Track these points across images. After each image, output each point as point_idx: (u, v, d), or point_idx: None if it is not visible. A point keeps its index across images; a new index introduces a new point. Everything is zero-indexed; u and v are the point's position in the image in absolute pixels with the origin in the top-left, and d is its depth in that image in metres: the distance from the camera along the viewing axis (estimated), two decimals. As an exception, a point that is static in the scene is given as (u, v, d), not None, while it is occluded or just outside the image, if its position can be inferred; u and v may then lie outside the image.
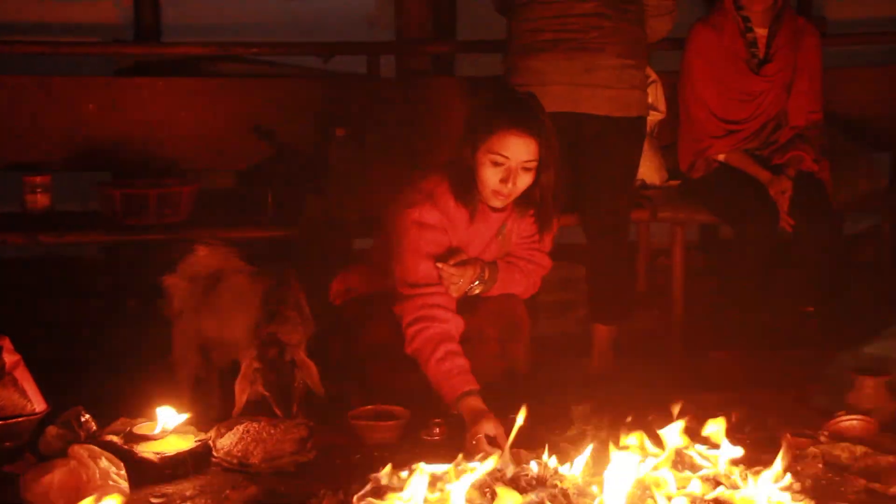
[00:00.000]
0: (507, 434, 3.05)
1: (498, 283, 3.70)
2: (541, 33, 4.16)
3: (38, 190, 4.59)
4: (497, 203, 3.55)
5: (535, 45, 4.16)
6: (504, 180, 3.46)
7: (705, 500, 2.80)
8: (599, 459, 2.91)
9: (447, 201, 3.58)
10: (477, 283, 3.63)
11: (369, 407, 3.52)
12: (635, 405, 3.31)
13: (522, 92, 3.63)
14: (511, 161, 3.44)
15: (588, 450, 2.93)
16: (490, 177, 3.48)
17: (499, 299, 3.75)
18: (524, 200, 3.61)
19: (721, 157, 4.63)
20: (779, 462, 2.89)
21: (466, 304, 3.71)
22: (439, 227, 3.56)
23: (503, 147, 3.43)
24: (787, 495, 2.83)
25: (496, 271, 3.70)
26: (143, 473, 3.08)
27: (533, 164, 3.46)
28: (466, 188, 3.54)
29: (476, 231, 3.65)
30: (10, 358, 3.37)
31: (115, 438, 3.21)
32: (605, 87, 4.15)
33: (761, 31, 4.62)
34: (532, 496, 2.78)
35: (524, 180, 3.49)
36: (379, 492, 2.83)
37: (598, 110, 4.15)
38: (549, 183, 3.54)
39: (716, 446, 3.01)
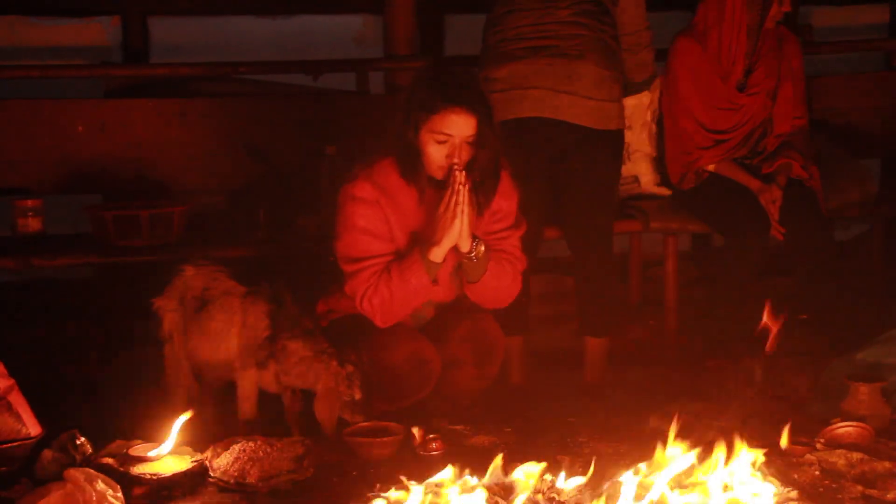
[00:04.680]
0: None
1: (488, 272, 3.65)
2: (520, 41, 4.15)
3: (30, 214, 4.58)
4: (442, 176, 3.58)
5: (516, 53, 4.14)
6: (450, 156, 3.53)
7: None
8: (597, 474, 2.91)
9: (387, 176, 3.64)
10: (476, 242, 3.57)
11: (365, 423, 3.51)
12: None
13: (456, 67, 3.59)
14: (455, 138, 3.51)
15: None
16: (435, 154, 3.55)
17: (470, 325, 3.75)
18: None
19: (711, 167, 4.63)
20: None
21: (437, 333, 3.71)
22: (372, 200, 3.61)
23: (445, 126, 3.50)
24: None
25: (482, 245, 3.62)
26: (139, 495, 3.07)
27: (473, 139, 3.53)
28: (413, 168, 3.60)
29: (427, 210, 3.63)
30: (3, 382, 3.36)
31: (111, 461, 3.20)
32: (586, 98, 4.10)
33: (745, 41, 4.64)
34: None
35: (468, 153, 3.55)
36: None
37: (579, 120, 4.12)
38: (487, 160, 3.59)
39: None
